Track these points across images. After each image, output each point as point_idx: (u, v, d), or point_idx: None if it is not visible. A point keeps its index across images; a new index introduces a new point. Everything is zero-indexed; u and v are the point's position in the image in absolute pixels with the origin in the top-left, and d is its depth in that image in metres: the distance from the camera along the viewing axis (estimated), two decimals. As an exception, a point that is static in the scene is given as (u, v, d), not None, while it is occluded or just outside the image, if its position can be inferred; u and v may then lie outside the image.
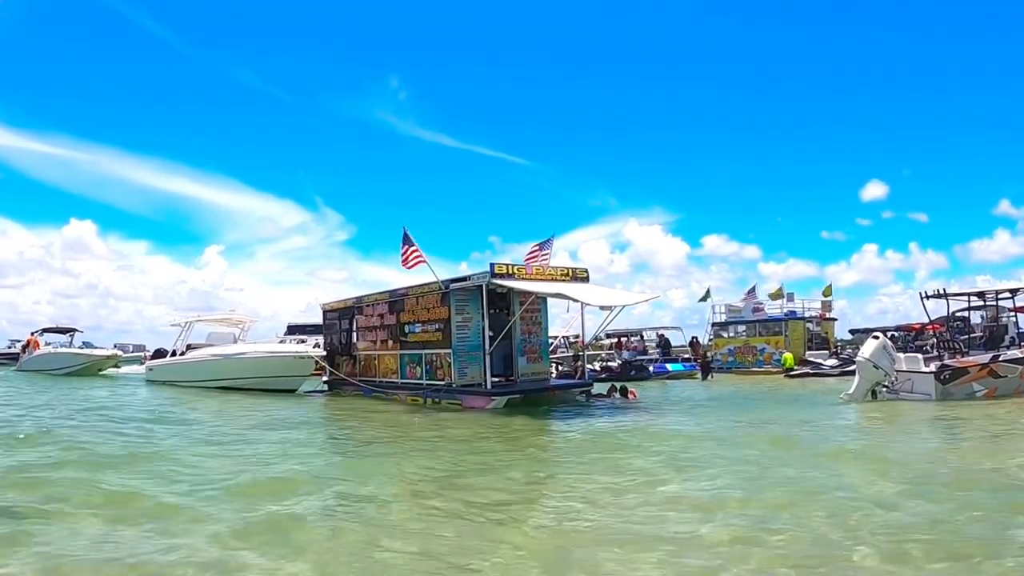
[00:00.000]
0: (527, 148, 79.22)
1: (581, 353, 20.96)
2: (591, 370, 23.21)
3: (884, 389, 15.85)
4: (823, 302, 33.18)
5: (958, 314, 18.24)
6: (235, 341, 23.55)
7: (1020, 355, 15.26)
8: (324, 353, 21.31)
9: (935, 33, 65.96)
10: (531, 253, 17.55)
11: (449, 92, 76.15)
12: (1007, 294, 16.78)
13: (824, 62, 68.72)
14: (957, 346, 16.51)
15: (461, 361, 15.85)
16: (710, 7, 69.36)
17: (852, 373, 22.90)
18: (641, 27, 71.47)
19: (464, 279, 16.06)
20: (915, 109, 66.75)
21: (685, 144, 73.95)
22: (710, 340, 33.32)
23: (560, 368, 24.79)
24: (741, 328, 32.33)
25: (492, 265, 15.31)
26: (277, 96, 72.83)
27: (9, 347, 36.76)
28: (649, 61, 72.56)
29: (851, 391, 15.86)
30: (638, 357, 30.09)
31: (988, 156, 63.82)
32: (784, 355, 28.83)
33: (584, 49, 71.66)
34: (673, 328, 35.48)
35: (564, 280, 16.26)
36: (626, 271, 65.57)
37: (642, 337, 34.45)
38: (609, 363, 28.41)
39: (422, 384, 16.87)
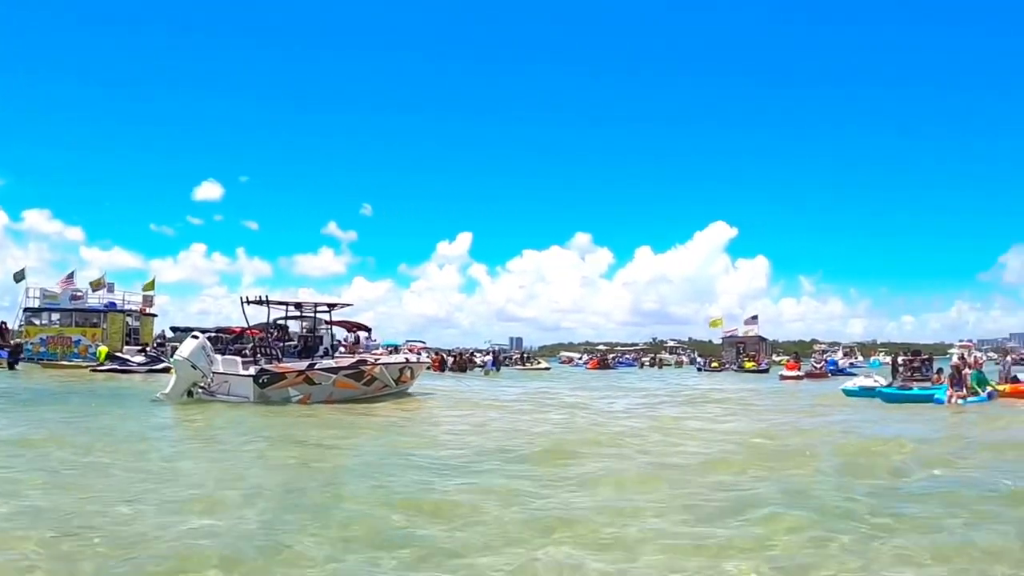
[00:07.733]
0: None
1: None
2: None
3: (201, 390, 15.47)
4: (145, 296, 32.48)
5: (278, 321, 19.04)
6: None
7: (333, 364, 16.81)
8: None
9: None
10: None
11: None
12: (324, 308, 18.41)
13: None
14: (275, 352, 17.16)
15: None
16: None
17: (161, 371, 22.48)
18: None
19: None
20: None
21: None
22: (21, 327, 29.79)
23: None
24: (56, 316, 29.49)
25: None
26: None
27: None
28: None
29: (167, 390, 15.09)
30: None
31: (317, 176, 70.12)
32: (99, 348, 26.83)
33: None
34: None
35: None
36: None
37: None
38: None
39: None
